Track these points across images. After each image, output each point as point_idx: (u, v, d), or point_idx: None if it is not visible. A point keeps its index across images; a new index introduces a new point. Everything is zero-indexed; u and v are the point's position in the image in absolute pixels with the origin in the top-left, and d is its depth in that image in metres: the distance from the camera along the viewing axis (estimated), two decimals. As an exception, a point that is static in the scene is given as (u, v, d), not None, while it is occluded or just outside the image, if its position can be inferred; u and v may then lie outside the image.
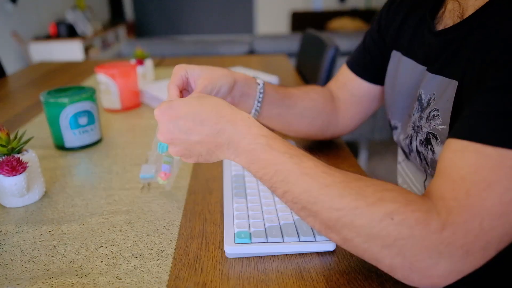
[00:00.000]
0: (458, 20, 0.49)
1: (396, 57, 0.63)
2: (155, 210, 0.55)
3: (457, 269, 0.35)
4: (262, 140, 0.42)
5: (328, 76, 1.24)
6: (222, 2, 5.18)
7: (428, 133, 0.52)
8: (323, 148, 0.75)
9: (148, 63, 1.17)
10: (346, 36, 2.24)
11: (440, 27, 0.53)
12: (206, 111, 0.44)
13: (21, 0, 2.90)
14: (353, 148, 2.29)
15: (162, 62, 1.52)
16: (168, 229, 0.51)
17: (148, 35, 5.33)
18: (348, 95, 0.71)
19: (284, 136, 0.78)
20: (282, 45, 2.21)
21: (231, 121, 0.43)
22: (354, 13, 4.60)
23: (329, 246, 0.46)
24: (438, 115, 0.49)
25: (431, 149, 0.52)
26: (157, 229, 0.51)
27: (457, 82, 0.46)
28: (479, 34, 0.44)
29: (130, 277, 0.43)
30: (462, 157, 0.37)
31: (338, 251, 0.47)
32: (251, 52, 2.18)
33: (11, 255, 0.47)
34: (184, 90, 0.56)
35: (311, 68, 1.37)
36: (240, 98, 0.60)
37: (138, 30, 5.30)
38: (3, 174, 0.53)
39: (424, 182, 0.59)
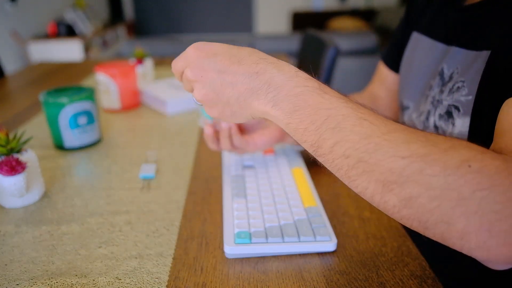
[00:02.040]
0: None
1: (414, 38, 0.65)
2: (154, 210, 0.55)
3: None
4: (313, 83, 0.36)
5: (328, 76, 1.24)
6: (222, 1, 5.18)
7: (450, 105, 0.52)
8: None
9: (148, 62, 1.17)
10: (346, 36, 2.24)
11: (467, 3, 0.54)
12: (246, 52, 0.39)
13: (21, 0, 2.90)
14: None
15: (162, 61, 1.52)
16: (168, 229, 0.51)
17: (148, 35, 5.32)
18: (387, 91, 0.75)
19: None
20: (282, 45, 2.20)
21: (275, 63, 0.38)
22: (354, 13, 4.60)
23: (329, 247, 0.46)
24: (463, 86, 0.50)
25: (452, 122, 0.52)
26: (157, 230, 0.51)
27: (489, 52, 0.46)
28: None
29: (129, 278, 0.43)
30: None
31: (338, 251, 0.47)
32: (251, 51, 2.18)
33: (10, 255, 0.47)
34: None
35: (311, 68, 1.36)
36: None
37: (138, 30, 5.30)
38: (2, 174, 0.53)
39: None
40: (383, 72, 0.75)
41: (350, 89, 2.17)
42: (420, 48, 0.63)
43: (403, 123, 0.35)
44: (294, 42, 2.14)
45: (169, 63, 1.49)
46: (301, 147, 0.66)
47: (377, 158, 0.32)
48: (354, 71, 2.19)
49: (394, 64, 0.72)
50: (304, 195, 0.55)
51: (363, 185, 0.33)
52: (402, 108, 0.67)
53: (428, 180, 0.30)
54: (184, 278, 0.43)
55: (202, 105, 0.42)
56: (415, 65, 0.63)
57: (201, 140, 0.79)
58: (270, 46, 2.19)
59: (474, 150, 0.31)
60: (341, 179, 0.35)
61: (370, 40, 2.22)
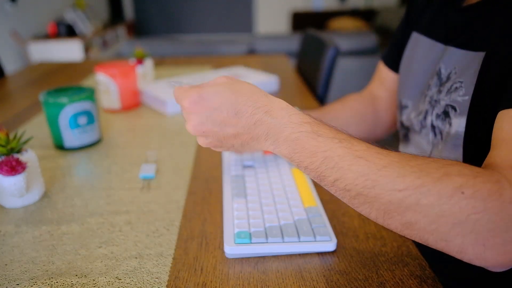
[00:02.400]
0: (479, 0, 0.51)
1: (414, 38, 0.65)
2: (154, 210, 0.55)
3: None
4: (307, 128, 0.39)
5: (328, 76, 1.24)
6: (222, 1, 5.18)
7: (447, 105, 0.52)
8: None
9: (148, 62, 1.17)
10: (346, 36, 2.24)
11: (466, 3, 0.55)
12: (242, 101, 0.40)
13: (21, 0, 2.90)
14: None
15: (162, 61, 1.52)
16: (168, 229, 0.51)
17: (148, 35, 5.32)
18: (387, 91, 0.75)
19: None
20: (282, 45, 2.20)
21: (269, 111, 0.40)
22: (354, 13, 4.60)
23: (329, 246, 0.46)
24: (461, 86, 0.50)
25: (448, 122, 0.52)
26: (157, 229, 0.51)
27: (484, 54, 0.47)
28: None
29: (129, 278, 0.43)
30: None
31: (338, 251, 0.47)
32: (251, 52, 2.18)
33: (10, 255, 0.47)
34: None
35: (311, 68, 1.36)
36: None
37: (138, 30, 5.30)
38: (3, 174, 0.53)
39: None
40: (383, 72, 0.75)
41: (350, 89, 2.17)
42: (420, 48, 0.63)
43: (396, 151, 0.38)
44: (294, 42, 2.14)
45: (169, 63, 1.49)
46: None
47: (376, 192, 0.35)
48: (354, 71, 2.19)
49: (394, 64, 0.73)
50: (304, 195, 0.55)
51: (366, 211, 0.37)
52: (401, 107, 0.67)
53: (425, 209, 0.33)
54: (184, 278, 0.43)
55: None
56: (414, 64, 0.63)
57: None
58: (270, 46, 2.19)
59: (466, 176, 0.33)
60: (346, 203, 0.39)
61: (370, 40, 2.22)
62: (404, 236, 0.49)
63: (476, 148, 0.49)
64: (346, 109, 0.72)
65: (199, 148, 0.75)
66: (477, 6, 0.51)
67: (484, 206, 0.32)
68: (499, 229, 0.32)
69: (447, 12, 0.58)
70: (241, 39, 2.25)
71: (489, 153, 0.40)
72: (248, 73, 1.18)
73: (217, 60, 1.53)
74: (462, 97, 0.50)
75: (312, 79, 1.32)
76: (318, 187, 0.60)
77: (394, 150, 0.38)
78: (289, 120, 0.40)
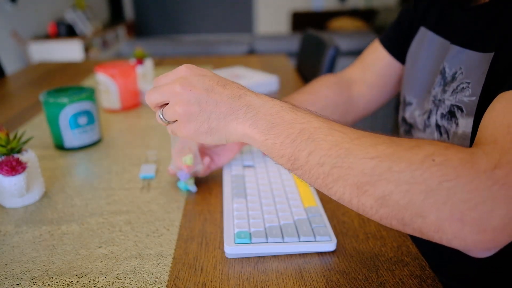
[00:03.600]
0: (486, 0, 0.50)
1: (422, 33, 0.63)
2: (155, 210, 0.55)
3: None
4: (287, 104, 0.40)
5: (328, 76, 1.24)
6: (222, 1, 5.18)
7: (452, 105, 0.52)
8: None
9: (148, 63, 1.17)
10: (346, 36, 2.24)
11: (473, 3, 0.54)
12: (228, 80, 0.43)
13: (21, 0, 2.90)
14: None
15: (162, 62, 1.52)
16: (168, 229, 0.51)
17: (148, 35, 5.32)
18: (374, 75, 0.72)
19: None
20: (282, 45, 2.20)
21: (253, 93, 0.42)
22: (354, 13, 4.60)
23: (329, 246, 0.46)
24: (468, 87, 0.49)
25: (455, 122, 0.52)
26: (157, 229, 0.51)
27: (493, 54, 0.46)
28: None
29: (130, 278, 0.43)
30: None
31: (338, 251, 0.47)
32: (251, 52, 2.18)
33: (10, 255, 0.47)
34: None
35: (311, 68, 1.36)
36: None
37: (138, 30, 5.30)
38: (3, 174, 0.53)
39: None
40: (377, 55, 0.72)
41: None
42: (426, 44, 0.62)
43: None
44: (294, 42, 2.14)
45: (169, 63, 1.49)
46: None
47: (349, 161, 0.34)
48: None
49: (393, 49, 0.70)
50: (304, 195, 0.55)
51: (340, 190, 0.36)
52: (405, 104, 0.66)
53: (397, 176, 0.32)
54: (184, 278, 0.43)
55: (173, 122, 0.44)
56: (421, 61, 0.62)
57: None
58: (270, 46, 2.19)
59: (438, 146, 0.33)
60: (319, 189, 0.38)
61: (370, 40, 2.22)
62: (404, 236, 0.49)
63: None
64: (320, 100, 0.69)
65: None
66: (485, 6, 0.51)
67: (456, 173, 0.31)
68: (474, 201, 0.30)
69: (454, 11, 0.57)
70: (241, 39, 2.25)
71: (478, 132, 0.39)
72: (248, 73, 1.18)
73: (217, 60, 1.53)
74: (469, 97, 0.49)
75: (312, 79, 1.32)
76: (318, 187, 0.60)
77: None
78: (271, 99, 0.41)
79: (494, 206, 0.30)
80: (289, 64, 1.45)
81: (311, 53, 1.42)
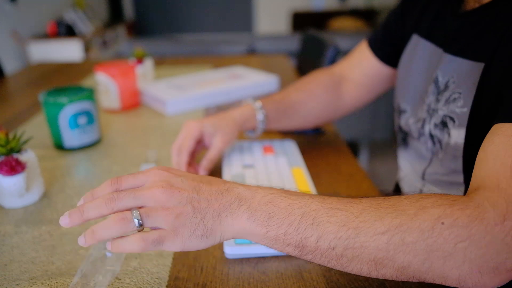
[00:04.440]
0: (476, 5, 0.50)
1: (414, 40, 0.63)
2: (154, 210, 0.55)
3: None
4: (277, 191, 0.38)
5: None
6: (222, 1, 5.18)
7: (445, 116, 0.52)
8: (323, 148, 0.75)
9: (148, 62, 1.17)
10: (346, 36, 2.24)
11: (463, 9, 0.54)
12: (212, 178, 0.40)
13: (20, 0, 2.90)
14: (353, 148, 2.29)
15: (162, 61, 1.52)
16: (168, 229, 0.51)
17: (148, 35, 5.32)
18: (361, 75, 0.73)
19: (284, 135, 0.78)
20: (282, 45, 2.20)
21: (239, 184, 0.40)
22: (354, 13, 4.60)
23: (329, 247, 0.46)
24: (460, 97, 0.49)
25: (447, 132, 0.52)
26: (157, 230, 0.51)
27: (483, 64, 0.46)
28: (509, 16, 0.44)
29: (130, 278, 0.43)
30: None
31: (338, 252, 0.47)
32: (251, 51, 2.18)
33: (10, 255, 0.47)
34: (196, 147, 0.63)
35: (311, 68, 1.36)
36: (244, 129, 0.66)
37: (138, 30, 5.30)
38: (2, 174, 0.53)
39: (425, 169, 0.59)
40: (364, 54, 0.72)
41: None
42: (419, 51, 0.61)
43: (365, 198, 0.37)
44: (294, 42, 2.13)
45: (169, 63, 1.49)
46: (253, 132, 0.68)
47: (361, 241, 0.34)
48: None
49: (382, 54, 0.70)
50: (304, 195, 0.55)
51: (357, 267, 0.35)
52: (399, 112, 0.66)
53: (412, 247, 0.33)
54: (184, 278, 0.43)
55: (154, 228, 0.36)
56: (415, 69, 0.62)
57: (201, 140, 0.78)
58: (270, 46, 2.19)
59: (443, 206, 0.33)
60: (334, 268, 0.36)
61: (370, 40, 2.22)
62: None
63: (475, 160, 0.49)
64: (310, 101, 0.70)
65: (199, 148, 0.75)
66: (472, 12, 0.50)
67: (467, 233, 0.32)
68: (490, 254, 0.32)
69: (445, 17, 0.57)
70: (241, 39, 2.25)
71: (477, 167, 0.39)
72: (248, 73, 1.18)
73: (217, 60, 1.53)
74: (461, 108, 0.49)
75: (312, 79, 1.32)
76: (318, 187, 0.60)
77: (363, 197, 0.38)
78: (257, 188, 0.39)
79: (508, 254, 0.32)
80: (289, 64, 1.45)
81: (311, 53, 1.42)
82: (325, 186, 0.60)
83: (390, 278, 0.35)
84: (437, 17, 0.59)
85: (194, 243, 0.36)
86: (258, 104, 0.66)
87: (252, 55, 1.68)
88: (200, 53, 2.10)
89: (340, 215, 0.35)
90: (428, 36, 0.60)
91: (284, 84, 1.17)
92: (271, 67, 1.37)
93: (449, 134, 0.51)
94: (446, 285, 0.34)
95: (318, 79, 0.74)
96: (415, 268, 0.33)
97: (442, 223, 0.32)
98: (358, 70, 0.73)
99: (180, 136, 0.62)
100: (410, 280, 0.35)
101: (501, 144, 0.36)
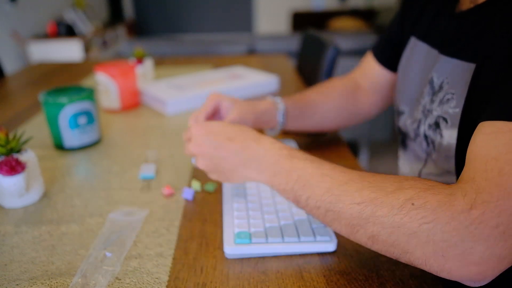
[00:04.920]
0: (471, 6, 0.50)
1: (412, 42, 0.64)
2: (154, 210, 0.55)
3: (496, 253, 0.33)
4: (285, 152, 0.46)
5: (328, 76, 1.24)
6: (222, 1, 5.18)
7: (438, 116, 0.52)
8: (323, 148, 0.75)
9: (148, 62, 1.17)
10: (346, 36, 2.24)
11: (458, 9, 0.54)
12: (237, 131, 0.49)
13: (20, 0, 2.90)
14: (353, 148, 2.29)
15: (162, 61, 1.52)
16: (168, 229, 0.51)
17: (148, 35, 5.32)
18: (369, 83, 0.74)
19: (284, 135, 0.78)
20: (282, 45, 2.20)
21: (256, 139, 0.48)
22: (354, 13, 4.60)
23: (329, 247, 0.46)
24: (453, 98, 0.50)
25: (439, 133, 0.52)
26: (157, 230, 0.51)
27: (475, 65, 0.46)
28: (504, 17, 0.44)
29: (129, 278, 0.43)
30: (495, 138, 0.36)
31: (338, 252, 0.47)
32: (251, 51, 2.18)
33: (10, 255, 0.47)
34: (212, 117, 0.64)
35: (311, 68, 1.36)
36: (263, 125, 0.66)
37: (138, 30, 5.30)
38: (2, 174, 0.53)
39: (421, 170, 0.60)
40: (369, 63, 0.74)
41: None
42: (417, 53, 0.62)
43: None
44: (294, 42, 2.13)
45: (169, 63, 1.49)
46: (273, 131, 0.68)
47: (339, 207, 0.39)
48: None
49: (385, 60, 0.71)
50: (304, 195, 0.55)
51: (338, 228, 0.41)
52: (398, 113, 0.66)
53: (381, 220, 0.36)
54: (184, 278, 0.43)
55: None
56: (412, 70, 0.62)
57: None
58: (270, 46, 2.19)
59: (418, 188, 0.36)
60: (323, 223, 0.44)
61: (370, 40, 2.22)
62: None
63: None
64: (327, 103, 0.71)
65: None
66: (468, 13, 0.50)
67: (434, 215, 0.34)
68: (454, 240, 0.33)
69: (441, 18, 0.57)
70: (241, 38, 2.25)
71: (464, 166, 0.40)
72: (248, 73, 1.18)
73: (217, 59, 1.53)
74: (453, 109, 0.49)
75: (312, 79, 1.32)
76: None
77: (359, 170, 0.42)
78: (271, 146, 0.47)
79: (473, 244, 0.33)
80: (289, 64, 1.45)
81: (311, 53, 1.42)
82: (325, 186, 0.61)
83: (365, 245, 0.39)
84: (434, 19, 0.59)
85: (224, 180, 0.51)
86: (278, 99, 0.66)
87: (252, 55, 1.68)
88: (200, 53, 2.10)
89: (328, 182, 0.41)
90: (424, 38, 0.60)
91: (284, 84, 1.17)
92: (271, 67, 1.37)
93: (441, 135, 0.52)
94: (415, 265, 0.36)
95: (334, 84, 0.75)
96: (383, 239, 0.37)
97: (412, 204, 0.35)
98: (367, 78, 0.74)
99: (198, 108, 0.63)
100: (383, 254, 0.38)
101: (481, 141, 0.37)
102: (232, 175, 0.49)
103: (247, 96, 1.07)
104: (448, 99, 0.51)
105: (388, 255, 0.38)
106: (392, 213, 0.36)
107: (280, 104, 0.66)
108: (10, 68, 2.65)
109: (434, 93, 0.54)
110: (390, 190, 0.37)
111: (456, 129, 0.49)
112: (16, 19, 2.87)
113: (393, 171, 0.78)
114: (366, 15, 4.57)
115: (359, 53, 2.22)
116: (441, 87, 0.53)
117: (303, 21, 4.76)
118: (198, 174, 0.65)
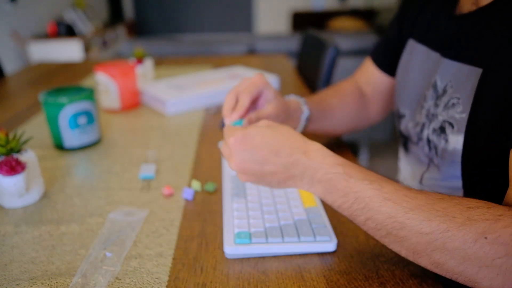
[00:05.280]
0: (473, 8, 0.50)
1: (410, 45, 0.63)
2: (154, 210, 0.55)
3: None
4: (339, 169, 0.41)
5: (328, 76, 1.24)
6: (222, 1, 5.18)
7: (444, 121, 0.52)
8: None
9: (148, 62, 1.17)
10: (346, 36, 2.24)
11: (457, 12, 0.53)
12: (281, 141, 0.44)
13: (20, 0, 2.90)
14: (353, 148, 2.29)
15: (162, 61, 1.52)
16: (168, 229, 0.51)
17: (148, 35, 5.32)
18: (372, 90, 0.74)
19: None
20: (282, 45, 2.20)
21: (305, 152, 0.43)
22: (354, 13, 4.60)
23: (329, 247, 0.46)
24: (458, 103, 0.49)
25: (444, 138, 0.52)
26: (157, 230, 0.51)
27: (481, 70, 0.45)
28: (507, 20, 0.43)
29: (129, 278, 0.43)
30: None
31: (338, 252, 0.47)
32: (251, 52, 2.18)
33: (10, 255, 0.47)
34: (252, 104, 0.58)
35: (311, 68, 1.36)
36: (288, 124, 0.61)
37: (138, 30, 5.30)
38: (2, 174, 0.53)
39: (423, 174, 0.59)
40: (370, 71, 0.74)
41: (350, 89, 2.17)
42: (416, 55, 0.61)
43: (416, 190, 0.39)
44: (294, 42, 2.13)
45: (169, 63, 1.49)
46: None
47: (404, 234, 0.37)
48: (354, 71, 2.19)
49: (384, 65, 0.71)
50: (304, 195, 0.55)
51: (397, 249, 0.39)
52: (399, 116, 0.66)
53: (451, 252, 0.35)
54: (184, 278, 0.43)
55: None
56: (411, 73, 0.62)
57: (201, 140, 0.78)
58: (270, 46, 2.19)
59: (489, 221, 0.35)
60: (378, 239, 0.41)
61: (370, 40, 2.22)
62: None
63: (474, 166, 0.48)
64: (344, 107, 0.71)
65: (199, 148, 0.75)
66: (470, 15, 0.50)
67: (506, 250, 0.34)
68: None
69: (441, 20, 0.56)
70: (241, 39, 2.25)
71: (508, 191, 0.40)
72: (248, 73, 1.18)
73: (217, 60, 1.53)
74: (460, 114, 0.49)
75: (312, 79, 1.32)
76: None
77: (421, 191, 0.40)
78: (323, 161, 0.42)
79: None
80: (289, 64, 1.45)
81: (311, 53, 1.42)
82: (325, 186, 0.60)
83: (425, 267, 0.38)
84: (432, 21, 0.59)
85: (270, 187, 0.46)
86: (303, 100, 0.65)
87: (252, 55, 1.68)
88: (200, 53, 2.10)
89: (391, 207, 0.38)
90: (423, 40, 0.60)
91: (284, 84, 1.17)
92: (271, 67, 1.37)
93: (446, 140, 0.51)
94: None
95: (345, 88, 0.74)
96: (449, 268, 0.36)
97: (485, 238, 0.34)
98: (369, 86, 0.74)
99: (242, 83, 0.58)
100: (443, 275, 0.37)
101: None
102: (281, 186, 0.45)
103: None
104: (453, 104, 0.50)
105: (450, 278, 0.37)
106: (465, 247, 0.35)
107: (305, 107, 0.64)
108: (10, 68, 2.64)
109: (438, 97, 0.54)
110: (461, 222, 0.35)
111: (462, 134, 0.48)
112: (16, 19, 2.87)
113: (393, 171, 0.77)
114: (366, 15, 4.57)
115: (359, 53, 2.22)
116: (445, 91, 0.52)
117: (303, 21, 4.76)
118: (198, 174, 0.65)
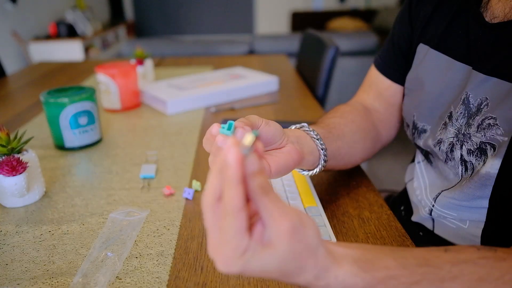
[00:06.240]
0: (509, 17, 0.45)
1: (423, 51, 0.57)
2: (155, 210, 0.55)
3: None
4: None
5: (328, 76, 1.24)
6: (222, 2, 5.18)
7: (483, 143, 0.47)
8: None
9: (148, 63, 1.17)
10: (346, 36, 2.24)
11: (488, 18, 0.47)
12: (291, 264, 0.29)
13: (21, 0, 2.90)
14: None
15: (162, 62, 1.52)
16: (168, 229, 0.51)
17: (148, 35, 5.33)
18: (386, 104, 0.66)
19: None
20: (282, 45, 2.21)
21: (331, 267, 0.30)
22: (354, 13, 4.60)
23: (329, 246, 0.46)
24: (496, 124, 0.45)
25: (484, 160, 0.47)
26: (157, 229, 0.51)
27: None
28: None
29: (130, 277, 0.43)
30: None
31: (338, 251, 0.47)
32: (251, 52, 2.18)
33: (11, 255, 0.47)
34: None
35: (311, 68, 1.37)
36: (300, 167, 0.51)
37: (138, 30, 5.30)
38: (3, 174, 0.53)
39: (443, 191, 0.54)
40: (381, 83, 0.65)
41: (350, 89, 2.17)
42: (434, 64, 0.55)
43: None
44: (294, 42, 2.14)
45: (169, 64, 1.49)
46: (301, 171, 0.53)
47: None
48: (354, 71, 2.19)
49: (396, 75, 0.63)
50: (304, 195, 0.55)
51: None
52: (416, 130, 0.59)
53: None
54: (185, 278, 0.43)
55: None
56: (428, 82, 0.56)
57: (202, 140, 0.79)
58: (270, 47, 2.19)
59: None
60: None
61: (370, 40, 2.22)
62: (404, 236, 0.49)
63: (507, 190, 0.45)
64: (348, 124, 0.59)
65: (199, 148, 0.75)
66: (507, 25, 0.44)
67: None
68: None
69: (467, 27, 0.50)
70: (241, 39, 2.25)
71: None
72: (248, 73, 1.18)
73: (217, 60, 1.53)
74: (502, 137, 0.44)
75: (312, 79, 1.32)
76: (318, 187, 0.60)
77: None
78: (345, 282, 0.31)
79: None
80: (289, 64, 1.45)
81: (311, 53, 1.42)
82: (325, 186, 0.61)
83: None
84: (451, 25, 0.53)
85: None
86: (321, 140, 0.50)
87: (252, 56, 1.68)
88: (200, 54, 2.10)
89: None
90: (440, 47, 0.54)
91: (284, 84, 1.17)
92: (271, 68, 1.38)
93: (484, 162, 0.47)
94: None
95: (341, 108, 0.62)
96: None
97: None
98: (382, 100, 0.65)
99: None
100: None
101: None
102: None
103: (247, 96, 1.07)
104: (489, 125, 0.46)
105: None
106: None
107: (322, 148, 0.50)
108: (11, 68, 2.65)
109: (470, 115, 0.48)
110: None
111: (500, 158, 0.44)
112: (17, 19, 2.88)
113: (393, 172, 0.77)
114: (366, 15, 4.57)
115: (359, 53, 2.22)
116: (479, 109, 0.47)
117: (302, 21, 4.76)
118: (198, 174, 0.65)
